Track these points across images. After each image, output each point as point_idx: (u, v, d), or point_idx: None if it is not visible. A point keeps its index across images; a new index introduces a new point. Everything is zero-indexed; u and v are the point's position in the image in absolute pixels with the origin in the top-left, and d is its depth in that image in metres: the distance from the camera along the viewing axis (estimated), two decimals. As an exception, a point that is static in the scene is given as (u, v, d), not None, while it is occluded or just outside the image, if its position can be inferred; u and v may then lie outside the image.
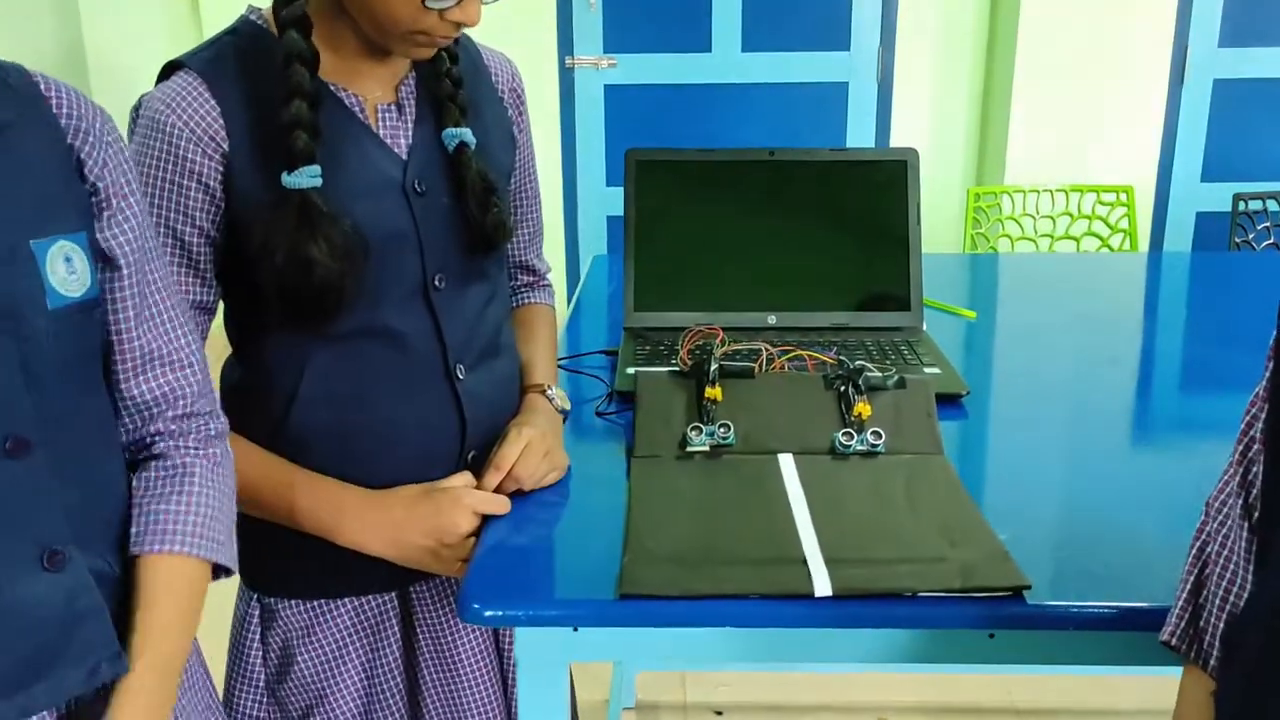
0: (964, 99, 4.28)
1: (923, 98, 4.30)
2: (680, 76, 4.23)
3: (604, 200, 4.37)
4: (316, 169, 1.04)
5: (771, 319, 1.68)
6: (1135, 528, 1.10)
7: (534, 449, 1.17)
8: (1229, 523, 0.85)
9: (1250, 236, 2.94)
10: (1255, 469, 0.83)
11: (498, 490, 1.15)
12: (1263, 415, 0.82)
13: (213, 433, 0.97)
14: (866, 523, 1.10)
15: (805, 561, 1.02)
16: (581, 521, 1.15)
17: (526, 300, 1.42)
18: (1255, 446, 0.83)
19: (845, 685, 2.43)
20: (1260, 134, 4.09)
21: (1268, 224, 2.93)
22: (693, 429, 1.27)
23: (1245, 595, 0.83)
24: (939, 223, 4.15)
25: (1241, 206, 2.93)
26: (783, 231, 1.71)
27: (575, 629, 1.00)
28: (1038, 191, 3.11)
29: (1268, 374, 0.83)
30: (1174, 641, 0.88)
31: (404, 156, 1.13)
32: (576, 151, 4.37)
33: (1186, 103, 4.11)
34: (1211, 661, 0.85)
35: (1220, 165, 4.15)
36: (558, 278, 4.65)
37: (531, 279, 1.43)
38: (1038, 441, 1.34)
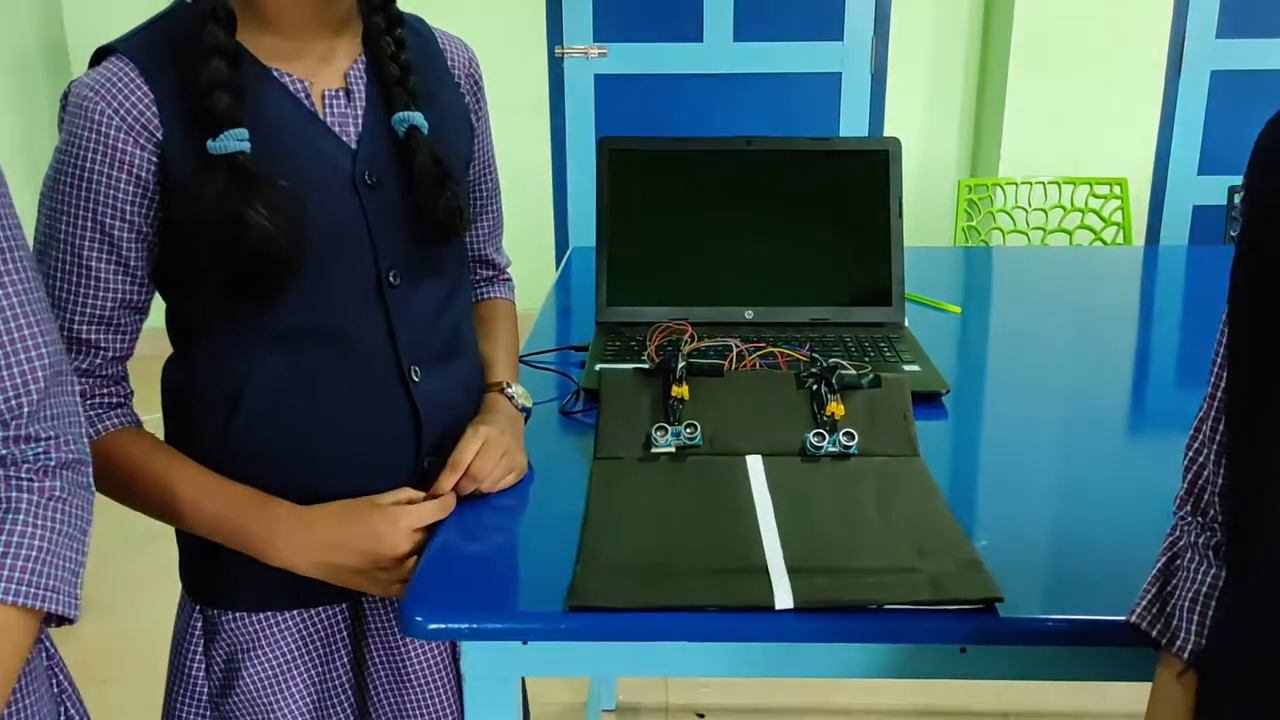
0: (959, 90, 4.22)
1: (917, 89, 4.24)
2: (671, 66, 4.17)
3: (595, 192, 4.30)
4: (243, 132, 0.98)
5: (749, 314, 1.63)
6: (1120, 537, 1.04)
7: (492, 447, 1.12)
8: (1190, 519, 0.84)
9: (1247, 230, 2.89)
10: (1205, 471, 0.80)
11: (455, 490, 1.10)
12: (1210, 417, 0.78)
13: (52, 462, 0.82)
14: (834, 529, 1.05)
15: (767, 571, 0.97)
16: (537, 527, 1.10)
17: (486, 295, 1.37)
18: (1205, 450, 0.80)
19: (832, 688, 2.39)
20: (1257, 127, 4.03)
21: (1264, 217, 2.87)
22: (658, 429, 1.22)
23: (1211, 579, 0.80)
24: (932, 215, 4.10)
25: (1237, 200, 2.87)
26: (761, 223, 1.66)
27: (525, 642, 0.95)
28: (1030, 184, 3.06)
29: (1215, 373, 0.78)
30: (1141, 623, 0.85)
31: (353, 146, 1.08)
32: (567, 142, 4.32)
33: (1184, 94, 4.05)
34: (1179, 640, 0.81)
35: (1217, 158, 4.09)
36: (547, 271, 4.61)
37: (491, 273, 1.38)
38: (1021, 443, 1.29)
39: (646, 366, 1.31)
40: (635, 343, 1.53)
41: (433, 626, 0.93)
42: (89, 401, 1.05)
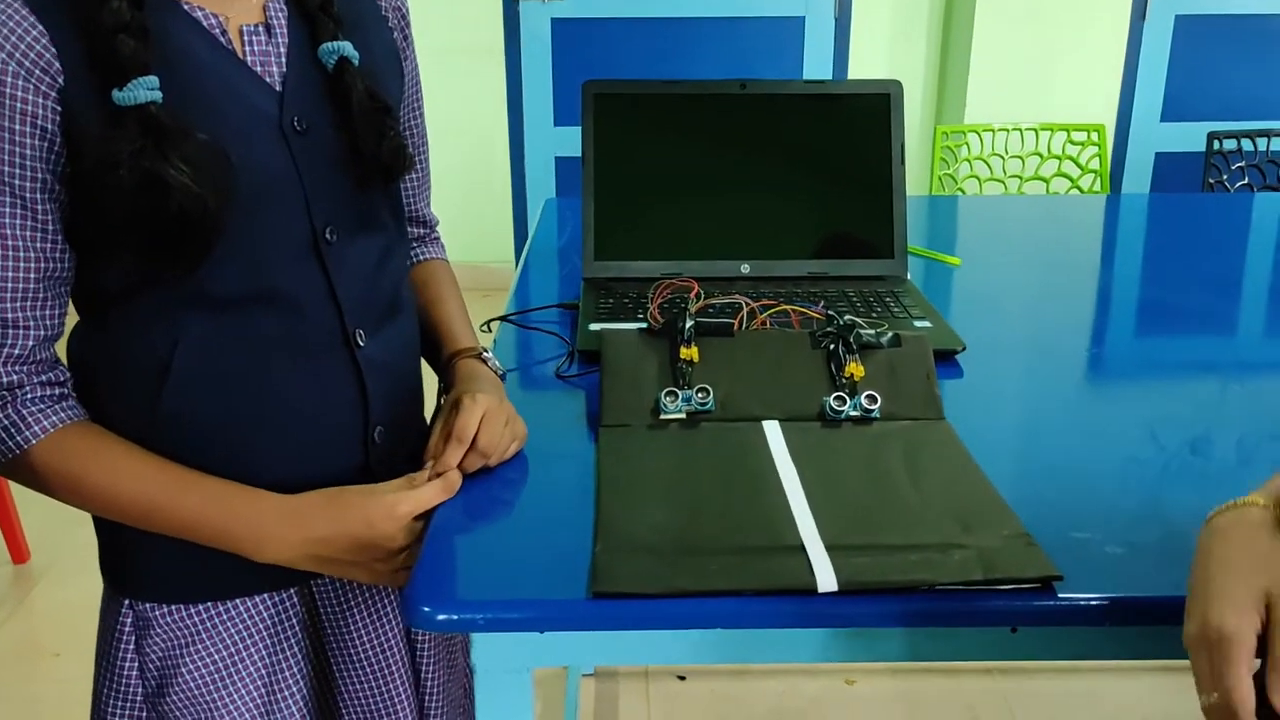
0: (924, 34, 4.14)
1: (881, 33, 4.16)
2: (630, 10, 4.04)
3: (552, 141, 4.19)
4: (153, 80, 0.86)
5: (744, 268, 1.55)
6: (1166, 499, 0.98)
7: (494, 417, 1.02)
8: None
9: (1224, 177, 2.85)
10: None
11: (461, 467, 1.01)
12: None
13: None
14: (867, 501, 0.98)
15: (804, 549, 0.90)
16: (544, 503, 1.01)
17: (421, 256, 1.27)
18: None
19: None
20: (1223, 72, 4.00)
21: (1243, 164, 2.84)
22: (667, 394, 1.14)
23: None
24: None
25: (1217, 146, 2.83)
26: (755, 172, 1.57)
27: (542, 632, 0.87)
28: (1007, 130, 2.99)
29: None
30: None
31: (278, 88, 0.96)
32: (523, 89, 4.18)
33: (1148, 39, 4.00)
34: None
35: (1182, 104, 4.06)
36: (505, 222, 4.49)
37: (423, 231, 1.27)
38: (1050, 404, 1.22)
39: (649, 326, 1.22)
40: (628, 300, 1.44)
41: (442, 617, 0.85)
42: (25, 395, 0.93)
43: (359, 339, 1.02)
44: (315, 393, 1.00)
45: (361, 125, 0.98)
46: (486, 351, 1.15)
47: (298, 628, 1.07)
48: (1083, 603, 0.85)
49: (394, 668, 1.12)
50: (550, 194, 4.19)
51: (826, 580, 0.86)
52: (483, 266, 4.13)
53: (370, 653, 1.10)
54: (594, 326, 1.37)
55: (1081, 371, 1.34)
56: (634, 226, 1.55)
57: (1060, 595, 0.85)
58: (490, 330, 1.44)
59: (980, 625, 0.87)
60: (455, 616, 0.85)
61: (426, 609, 0.85)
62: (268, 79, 0.95)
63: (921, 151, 4.16)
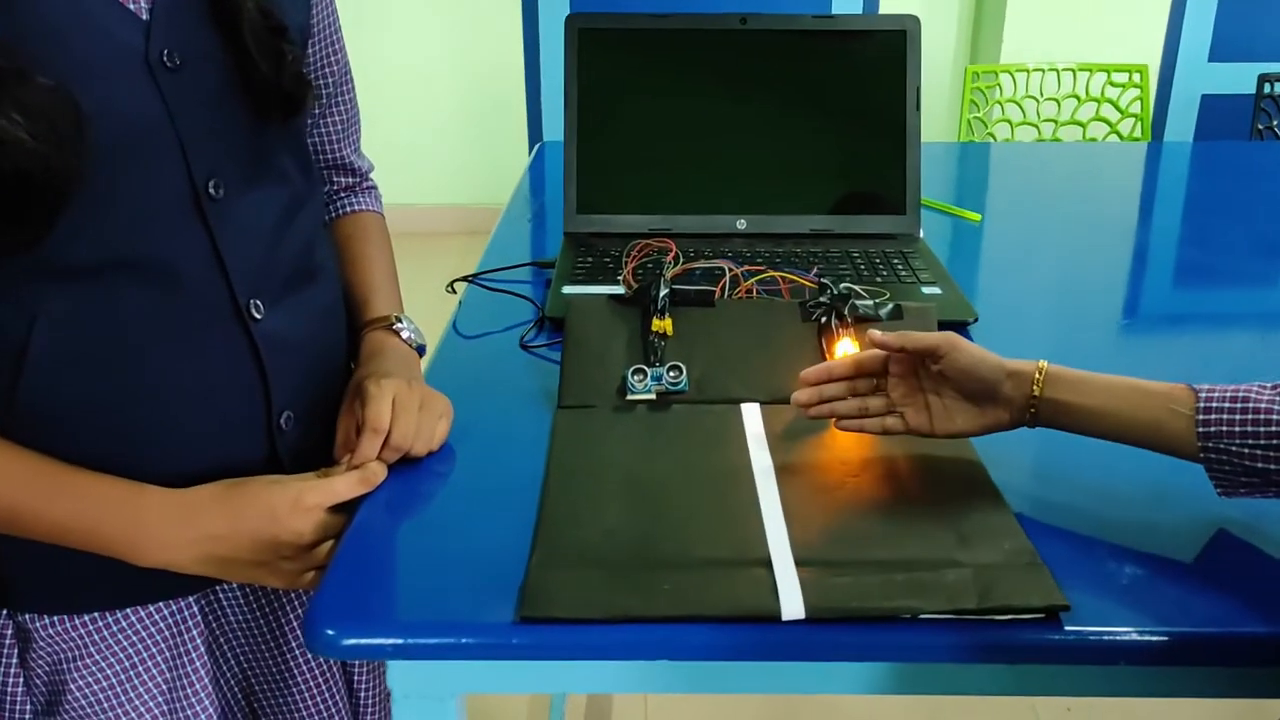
0: (960, -34, 3.92)
1: (915, -34, 3.93)
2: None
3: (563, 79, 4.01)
4: None
5: (741, 223, 1.41)
6: (1203, 510, 0.85)
7: (405, 404, 0.90)
8: None
9: (1275, 123, 2.66)
10: None
11: (381, 458, 0.89)
12: None
13: None
14: (850, 505, 0.86)
15: (770, 564, 0.78)
16: (483, 501, 0.89)
17: (349, 209, 1.13)
18: None
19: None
20: (1276, 8, 3.76)
21: (1298, 108, 2.65)
22: (635, 372, 1.01)
23: None
24: (925, 106, 3.83)
25: (1268, 90, 2.64)
26: (755, 117, 1.42)
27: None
28: (1043, 70, 2.81)
29: None
30: None
31: (144, 15, 0.81)
32: (539, 21, 4.00)
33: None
34: None
35: (1231, 43, 3.82)
36: (520, 164, 4.34)
37: (351, 180, 1.13)
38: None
39: (621, 293, 1.09)
40: (610, 259, 1.31)
41: (348, 643, 0.73)
42: None
43: (254, 311, 0.88)
44: (201, 375, 0.87)
45: (257, 48, 0.84)
46: (400, 321, 1.02)
47: (199, 640, 0.95)
48: (1093, 639, 0.72)
49: (320, 679, 1.00)
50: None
51: (792, 605, 0.73)
52: (496, 209, 3.99)
53: (290, 664, 0.99)
54: (567, 289, 1.25)
55: (1112, 348, 1.19)
56: (620, 177, 1.42)
57: (1068, 628, 0.73)
58: (455, 291, 1.31)
59: (971, 661, 0.74)
60: (363, 642, 0.74)
61: (330, 632, 0.73)
62: (131, 5, 0.81)
63: (952, 94, 3.96)
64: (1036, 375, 0.85)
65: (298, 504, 0.84)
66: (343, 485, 0.86)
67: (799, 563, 0.78)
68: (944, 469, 0.89)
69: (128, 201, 0.81)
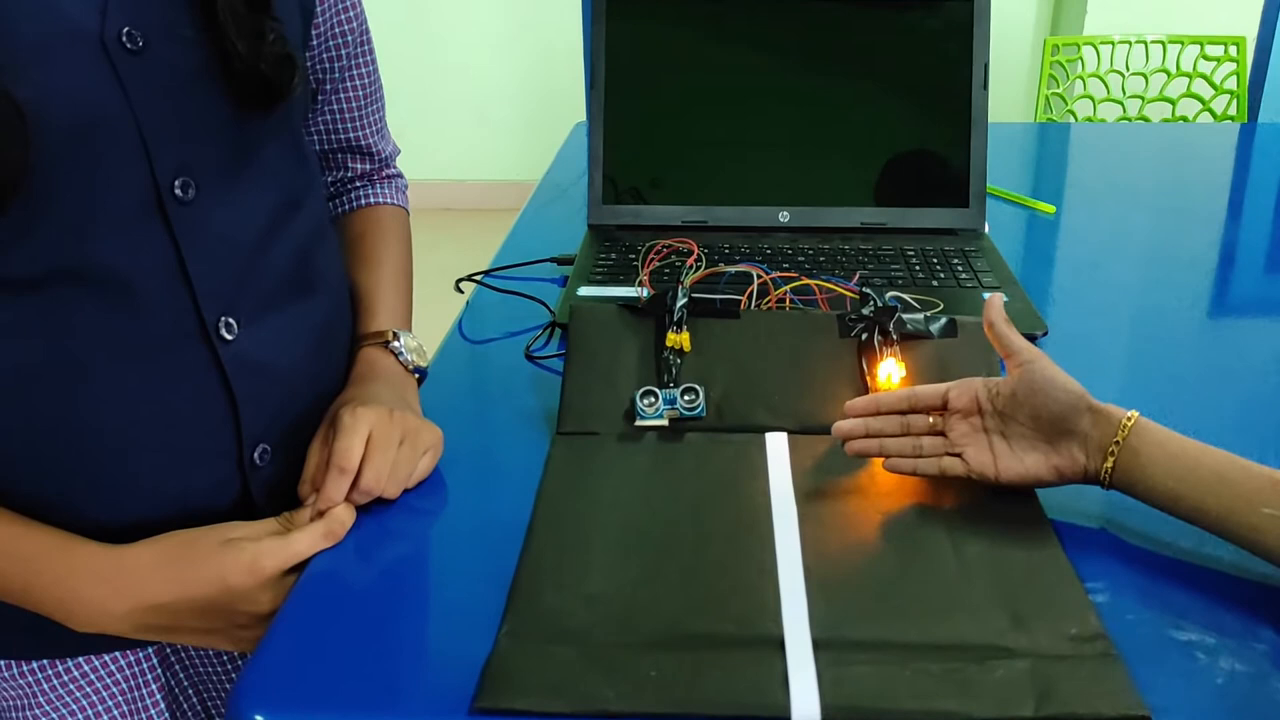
0: (1041, -68, 3.70)
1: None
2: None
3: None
4: None
5: (783, 216, 1.27)
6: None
7: (381, 440, 0.78)
8: None
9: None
10: None
11: (349, 500, 0.77)
12: None
13: None
14: (885, 566, 0.72)
15: (782, 645, 0.65)
16: (464, 547, 0.77)
17: (364, 200, 1.01)
18: None
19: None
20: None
21: None
22: (644, 394, 0.88)
23: None
24: (1001, 81, 3.62)
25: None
26: (803, 96, 1.28)
27: (417, 746, 0.64)
28: (1129, 42, 2.60)
29: None
30: None
31: None
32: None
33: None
34: None
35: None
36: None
37: (369, 166, 1.01)
38: (1151, 415, 0.94)
39: (634, 300, 0.96)
40: (636, 255, 1.18)
41: (274, 729, 0.62)
42: None
43: (224, 331, 0.77)
44: (160, 403, 0.75)
45: (231, 25, 0.73)
46: (398, 338, 0.90)
47: (157, 692, 0.85)
48: (1180, 759, 0.58)
49: None
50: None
51: (806, 703, 0.60)
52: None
53: None
54: (584, 291, 1.12)
55: (1205, 368, 1.04)
56: (652, 163, 1.29)
57: (1148, 744, 0.59)
58: (463, 291, 1.19)
59: (1026, 777, 0.61)
60: (290, 727, 0.62)
61: (258, 718, 0.62)
62: None
63: (1029, 69, 3.75)
64: (1125, 421, 0.71)
65: (253, 570, 0.72)
66: (304, 543, 0.74)
67: (818, 644, 0.65)
68: (1002, 527, 0.75)
69: (76, 203, 0.69)
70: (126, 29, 0.70)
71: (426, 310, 1.34)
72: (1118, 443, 0.71)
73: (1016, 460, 0.75)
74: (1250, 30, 2.60)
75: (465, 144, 4.22)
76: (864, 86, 1.28)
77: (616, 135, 1.27)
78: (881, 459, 0.80)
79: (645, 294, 0.98)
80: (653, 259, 1.06)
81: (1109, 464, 0.71)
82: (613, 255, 1.20)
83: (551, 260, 1.23)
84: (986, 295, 1.09)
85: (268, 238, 0.80)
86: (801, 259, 1.18)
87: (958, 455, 0.77)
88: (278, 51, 0.76)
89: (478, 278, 1.20)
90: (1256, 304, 1.20)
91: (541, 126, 4.18)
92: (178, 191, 0.73)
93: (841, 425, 0.80)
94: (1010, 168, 1.65)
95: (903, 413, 0.80)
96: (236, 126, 0.77)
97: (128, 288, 0.72)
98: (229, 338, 0.77)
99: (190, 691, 0.88)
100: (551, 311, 1.11)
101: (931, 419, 0.79)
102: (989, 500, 0.77)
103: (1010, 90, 3.68)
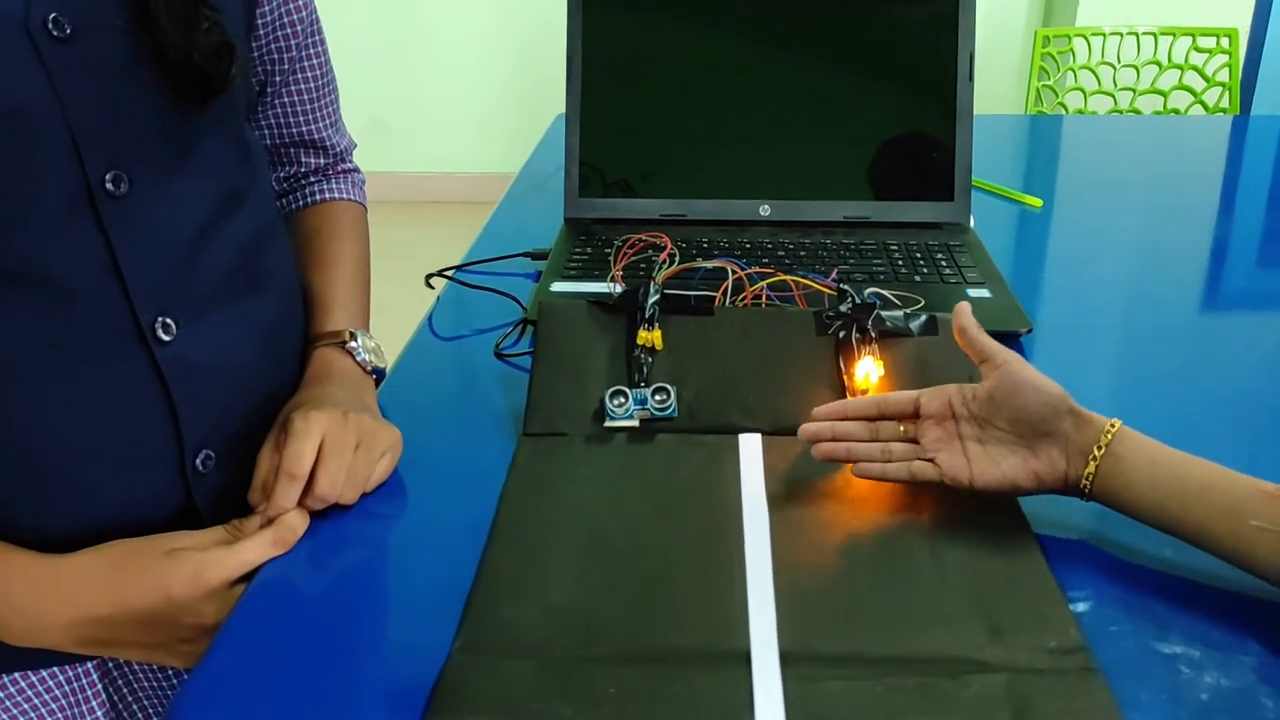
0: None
1: (986, -78, 3.68)
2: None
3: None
4: None
5: (765, 209, 1.24)
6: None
7: (336, 444, 0.75)
8: None
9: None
10: None
11: (302, 505, 0.74)
12: None
13: None
14: (859, 573, 0.69)
15: (748, 659, 0.62)
16: (422, 554, 0.74)
17: (318, 196, 0.98)
18: None
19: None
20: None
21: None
22: (614, 394, 0.85)
23: None
24: (992, 73, 3.59)
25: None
26: (784, 87, 1.25)
27: (364, 765, 0.61)
28: (1120, 34, 2.57)
29: None
30: None
31: None
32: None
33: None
34: None
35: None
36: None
37: (323, 161, 0.98)
38: (1140, 417, 0.91)
39: (605, 296, 0.93)
40: (611, 250, 1.15)
41: (214, 748, 0.59)
42: None
43: (160, 332, 0.73)
44: (95, 409, 0.72)
45: (166, 17, 0.69)
46: (355, 338, 0.87)
47: (99, 709, 0.82)
48: (1163, 780, 0.56)
49: None
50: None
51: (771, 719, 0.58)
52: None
53: None
54: (557, 287, 1.09)
55: (1195, 364, 1.01)
56: (630, 154, 1.26)
57: (1127, 763, 0.56)
58: (433, 287, 1.16)
59: (1001, 799, 0.58)
60: (232, 746, 0.59)
61: (195, 734, 0.59)
62: None
63: (1020, 61, 3.72)
64: (1108, 427, 0.68)
65: (197, 580, 0.69)
66: (253, 552, 0.71)
67: (786, 658, 0.62)
68: (982, 535, 0.72)
69: (1, 198, 0.66)
70: (53, 15, 0.67)
71: (404, 305, 1.31)
72: (1101, 448, 0.68)
73: (993, 465, 0.72)
74: (1242, 22, 2.58)
75: (452, 136, 4.18)
76: (848, 78, 1.25)
77: (594, 127, 1.24)
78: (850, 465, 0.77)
79: (617, 290, 0.95)
80: (626, 253, 1.03)
81: (1090, 470, 0.68)
82: (588, 250, 1.17)
83: (526, 255, 1.20)
84: (970, 292, 1.07)
85: (208, 234, 0.77)
86: (782, 253, 1.16)
87: (931, 460, 0.74)
88: (213, 41, 0.72)
89: (449, 273, 1.17)
90: (1247, 299, 1.18)
91: (529, 118, 4.15)
92: (109, 186, 0.70)
93: (808, 428, 0.77)
94: (1000, 161, 1.62)
95: (872, 419, 0.77)
96: (172, 119, 0.73)
97: (58, 287, 0.69)
98: (167, 339, 0.74)
99: (135, 707, 0.85)
100: (523, 307, 1.08)
101: (902, 427, 0.76)
102: (970, 509, 0.74)
103: (1001, 82, 3.65)
